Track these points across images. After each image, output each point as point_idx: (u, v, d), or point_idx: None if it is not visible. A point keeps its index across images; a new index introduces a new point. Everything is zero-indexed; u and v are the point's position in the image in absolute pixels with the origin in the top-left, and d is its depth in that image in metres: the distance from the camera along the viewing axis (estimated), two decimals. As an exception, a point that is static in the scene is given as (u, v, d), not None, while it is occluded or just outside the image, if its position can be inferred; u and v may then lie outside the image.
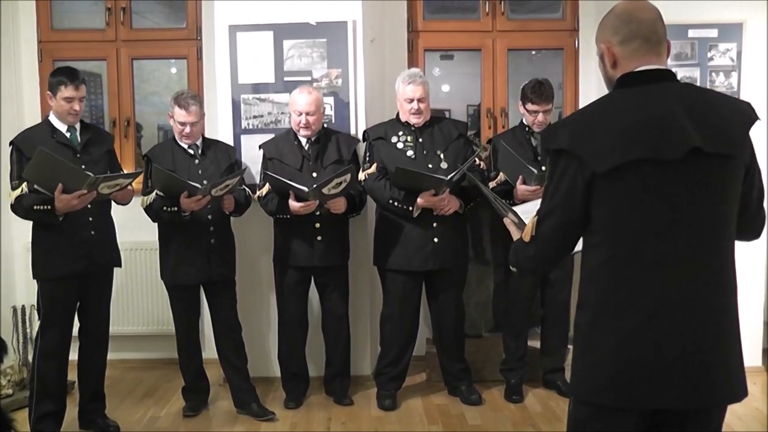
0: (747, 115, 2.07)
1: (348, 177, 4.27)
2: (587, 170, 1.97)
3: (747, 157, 2.05)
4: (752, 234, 2.23)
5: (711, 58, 4.99)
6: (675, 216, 1.97)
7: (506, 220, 2.50)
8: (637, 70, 2.05)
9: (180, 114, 4.38)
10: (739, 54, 4.99)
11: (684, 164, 1.94)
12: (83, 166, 4.02)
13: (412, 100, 4.52)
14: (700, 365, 1.98)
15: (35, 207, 3.92)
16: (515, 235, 2.36)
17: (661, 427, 2.09)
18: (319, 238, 4.52)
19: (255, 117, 5.02)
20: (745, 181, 2.07)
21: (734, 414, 4.41)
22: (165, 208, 4.27)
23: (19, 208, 3.98)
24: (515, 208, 2.46)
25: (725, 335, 2.04)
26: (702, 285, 1.99)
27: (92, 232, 4.11)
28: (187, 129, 4.39)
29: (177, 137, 4.47)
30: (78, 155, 4.11)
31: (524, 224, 2.28)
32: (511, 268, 2.33)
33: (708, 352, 1.99)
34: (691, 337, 1.98)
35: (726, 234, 2.04)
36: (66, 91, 4.05)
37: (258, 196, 4.60)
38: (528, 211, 2.33)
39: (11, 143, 4.09)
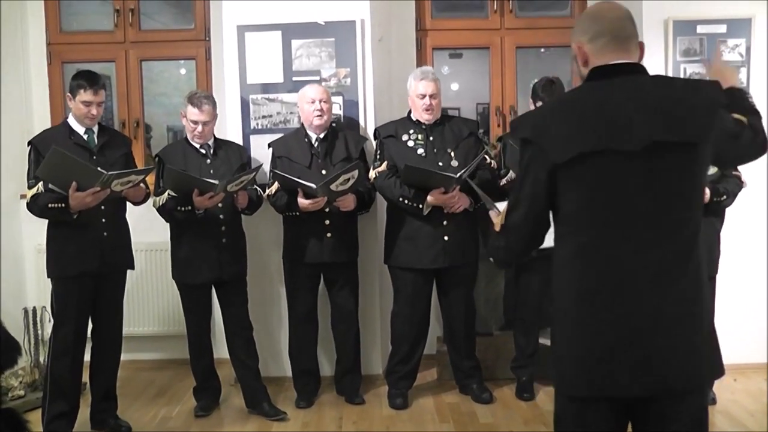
0: (712, 99, 2.07)
1: (356, 173, 4.28)
2: (548, 160, 2.02)
3: (713, 139, 2.04)
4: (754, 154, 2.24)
5: (720, 54, 4.97)
6: (634, 206, 1.99)
7: (492, 213, 2.58)
8: (603, 64, 2.09)
9: (193, 112, 4.40)
10: (748, 49, 4.97)
11: (644, 155, 1.97)
12: (98, 168, 4.04)
13: (424, 96, 4.52)
14: (663, 350, 2.00)
15: (50, 205, 3.95)
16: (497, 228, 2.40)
17: (638, 415, 2.09)
18: (329, 234, 4.52)
19: (264, 117, 5.03)
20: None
21: (746, 410, 4.40)
22: (179, 208, 4.28)
23: (35, 206, 4.01)
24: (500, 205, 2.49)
25: (689, 319, 2.03)
26: (664, 271, 2.00)
27: (105, 233, 4.13)
28: (199, 128, 4.41)
29: (189, 136, 4.49)
30: (94, 157, 4.12)
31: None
32: (490, 259, 2.41)
33: (672, 337, 2.00)
34: (653, 323, 1.99)
35: (693, 218, 2.05)
36: (84, 95, 4.08)
37: (267, 195, 4.61)
38: None
39: (29, 143, 4.13)
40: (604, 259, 2.01)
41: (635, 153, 1.96)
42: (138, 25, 5.66)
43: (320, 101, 4.55)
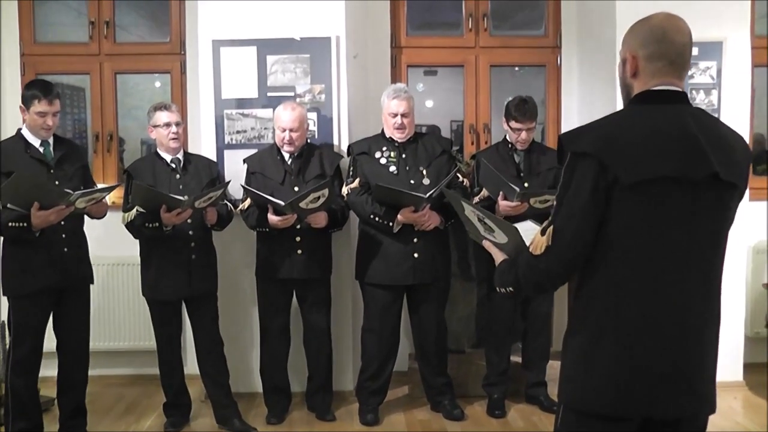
0: (747, 149, 2.14)
1: (326, 192, 4.26)
2: (610, 178, 1.94)
3: (743, 188, 2.09)
4: None
5: (691, 76, 5.01)
6: (684, 236, 1.99)
7: (486, 243, 2.36)
8: (656, 88, 2.06)
9: (163, 115, 4.37)
10: (719, 72, 5.02)
11: (702, 188, 1.97)
12: (57, 182, 3.99)
13: (395, 115, 4.54)
14: (692, 376, 2.05)
15: (10, 224, 3.86)
16: (498, 257, 2.28)
17: None
18: (299, 251, 4.51)
19: (238, 132, 5.02)
20: None
21: (715, 426, 4.42)
22: (146, 224, 4.24)
23: None
24: (517, 225, 2.26)
25: (711, 349, 2.12)
26: (697, 304, 2.05)
27: (65, 249, 4.09)
28: (173, 128, 4.37)
29: (165, 143, 4.40)
30: (51, 170, 4.07)
31: (522, 242, 2.18)
32: (498, 290, 2.23)
33: (698, 365, 2.07)
34: (684, 350, 2.03)
35: (721, 258, 2.10)
36: (39, 106, 3.99)
37: (240, 210, 4.60)
38: (528, 229, 2.23)
39: None
40: (646, 287, 1.99)
41: (696, 184, 1.96)
42: (113, 38, 5.64)
43: (290, 131, 4.51)
